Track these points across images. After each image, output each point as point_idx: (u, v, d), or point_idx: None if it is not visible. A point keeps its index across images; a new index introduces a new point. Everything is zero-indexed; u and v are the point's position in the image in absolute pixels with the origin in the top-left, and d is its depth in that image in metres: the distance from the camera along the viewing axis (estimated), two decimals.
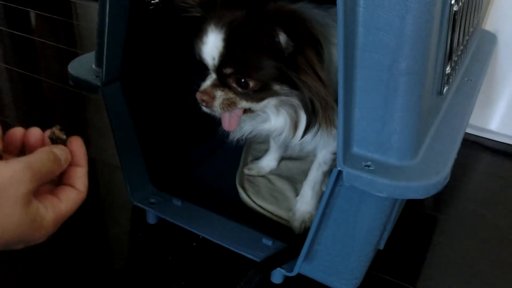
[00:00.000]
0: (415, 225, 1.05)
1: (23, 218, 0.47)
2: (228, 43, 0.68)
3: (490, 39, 1.17)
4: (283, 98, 0.72)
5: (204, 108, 0.73)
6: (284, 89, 0.70)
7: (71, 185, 0.54)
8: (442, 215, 1.09)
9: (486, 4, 1.27)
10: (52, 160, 0.52)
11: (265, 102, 0.72)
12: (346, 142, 0.61)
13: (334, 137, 0.77)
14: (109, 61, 0.80)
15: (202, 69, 0.73)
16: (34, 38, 1.96)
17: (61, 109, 1.48)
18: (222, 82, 0.71)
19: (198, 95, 0.71)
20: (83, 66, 0.85)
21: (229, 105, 0.72)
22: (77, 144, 0.56)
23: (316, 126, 0.72)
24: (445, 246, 1.00)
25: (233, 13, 0.69)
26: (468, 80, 0.87)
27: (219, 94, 0.71)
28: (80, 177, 0.55)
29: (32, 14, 2.23)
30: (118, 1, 0.76)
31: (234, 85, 0.70)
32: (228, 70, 0.69)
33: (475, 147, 1.37)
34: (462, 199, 1.16)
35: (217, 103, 0.71)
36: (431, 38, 0.58)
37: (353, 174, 0.60)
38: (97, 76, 0.82)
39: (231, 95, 0.71)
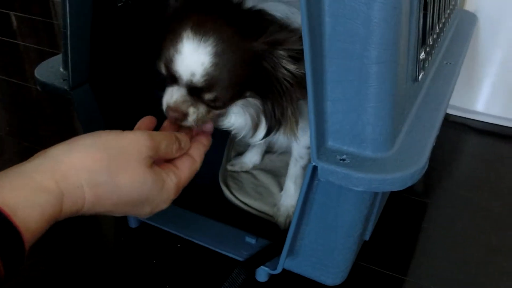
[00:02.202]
0: (403, 212, 1.04)
1: (145, 178, 0.52)
2: (218, 59, 0.60)
3: (470, 19, 1.15)
4: (249, 99, 0.69)
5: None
6: (253, 94, 0.67)
7: (188, 154, 0.61)
8: (430, 200, 1.08)
9: None
10: (173, 140, 0.58)
11: (233, 105, 0.69)
12: (320, 136, 0.60)
13: (303, 130, 0.75)
14: (76, 64, 0.77)
15: (163, 78, 0.66)
16: (16, 41, 1.92)
17: (48, 114, 1.44)
18: (193, 98, 0.64)
19: (169, 112, 0.64)
20: (50, 70, 0.83)
21: (203, 118, 0.66)
22: (209, 127, 0.67)
23: (276, 130, 0.69)
24: (434, 232, 0.99)
25: (214, 20, 0.62)
26: (447, 63, 0.85)
27: (192, 111, 0.64)
28: (199, 150, 0.63)
29: (13, 17, 2.19)
30: (80, 0, 0.73)
31: (207, 101, 0.64)
32: (209, 95, 0.63)
33: (462, 129, 1.36)
34: (450, 183, 1.15)
35: (191, 119, 0.65)
36: (400, 24, 0.56)
37: (328, 169, 0.58)
38: (64, 80, 0.79)
39: (202, 109, 0.65)
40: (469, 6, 1.23)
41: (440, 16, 0.83)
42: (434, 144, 0.64)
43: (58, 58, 0.85)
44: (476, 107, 1.35)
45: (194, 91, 0.63)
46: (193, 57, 0.60)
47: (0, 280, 0.39)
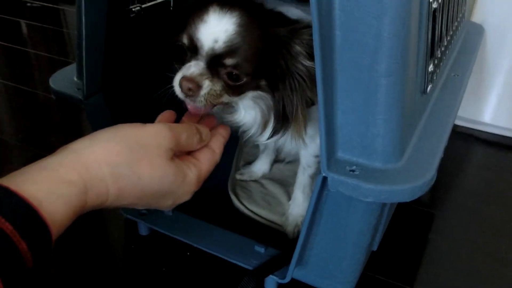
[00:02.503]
0: (410, 223, 1.04)
1: (166, 170, 0.53)
2: (240, 29, 0.62)
3: (478, 31, 1.16)
4: (260, 93, 0.69)
5: (180, 95, 0.65)
6: (266, 86, 0.68)
7: (208, 146, 0.62)
8: (437, 211, 1.08)
9: None
10: (194, 131, 0.59)
11: (244, 95, 0.69)
12: (330, 147, 0.60)
13: (311, 138, 0.76)
14: (90, 73, 0.78)
15: (181, 54, 0.67)
16: (26, 49, 1.95)
17: (57, 122, 1.46)
18: (211, 71, 0.64)
19: (184, 82, 0.63)
20: (64, 79, 0.84)
21: (214, 97, 0.65)
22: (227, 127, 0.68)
23: (284, 130, 0.70)
24: (441, 242, 0.99)
25: (239, 5, 0.64)
26: (454, 75, 0.86)
27: (207, 84, 0.64)
28: (219, 141, 0.64)
29: (23, 25, 2.22)
30: (95, 12, 0.75)
31: (225, 76, 0.64)
32: (230, 61, 0.63)
33: (469, 140, 1.37)
34: (457, 194, 1.15)
35: (202, 93, 0.64)
36: (409, 38, 0.57)
37: (338, 180, 0.59)
38: (78, 89, 0.81)
39: (218, 87, 0.65)
40: (477, 18, 1.24)
41: (448, 29, 0.84)
42: (442, 155, 0.65)
43: (72, 67, 0.87)
44: (483, 118, 1.35)
45: (214, 62, 0.64)
46: (217, 25, 0.63)
47: (28, 271, 0.40)
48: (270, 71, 0.66)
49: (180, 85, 0.64)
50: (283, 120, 0.69)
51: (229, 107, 0.73)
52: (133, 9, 0.89)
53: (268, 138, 0.72)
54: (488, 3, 1.23)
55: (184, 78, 0.63)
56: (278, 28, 0.65)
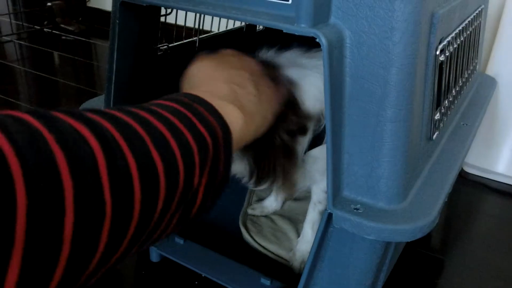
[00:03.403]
0: (417, 267, 1.05)
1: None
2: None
3: (490, 83, 1.19)
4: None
5: None
6: None
7: None
8: (446, 257, 1.09)
9: (487, 49, 1.30)
10: None
11: None
12: (336, 186, 0.64)
13: (323, 174, 0.79)
14: (116, 105, 0.84)
15: None
16: (56, 78, 2.04)
17: None
18: None
19: None
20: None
21: None
22: None
23: (270, 181, 0.73)
24: None
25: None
26: (463, 124, 0.89)
27: None
28: None
29: (56, 56, 2.33)
30: (125, 49, 0.81)
31: None
32: None
33: (482, 189, 1.37)
34: (467, 241, 1.15)
35: None
36: (415, 87, 0.61)
37: (342, 217, 0.62)
38: None
39: None
40: (490, 71, 1.28)
41: (457, 80, 0.88)
42: (446, 200, 0.68)
43: (100, 98, 0.93)
44: (496, 168, 1.36)
45: None
46: None
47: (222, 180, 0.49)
48: None
49: None
50: (260, 172, 0.73)
51: None
52: (160, 48, 0.95)
53: (255, 186, 0.76)
54: (503, 57, 1.27)
55: None
56: None
